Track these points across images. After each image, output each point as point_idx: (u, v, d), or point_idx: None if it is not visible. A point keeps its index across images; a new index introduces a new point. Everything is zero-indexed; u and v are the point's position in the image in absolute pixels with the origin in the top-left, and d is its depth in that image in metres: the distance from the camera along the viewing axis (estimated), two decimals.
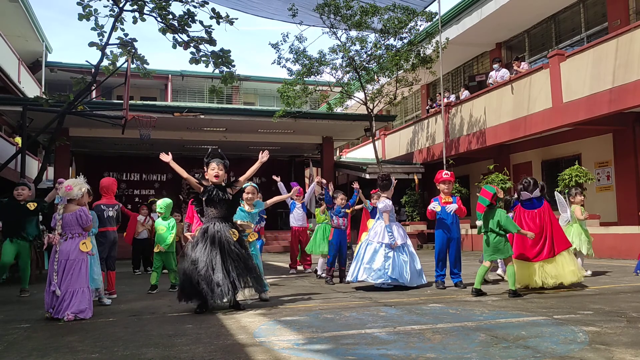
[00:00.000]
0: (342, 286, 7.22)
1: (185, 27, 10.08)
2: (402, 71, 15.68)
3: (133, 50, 10.42)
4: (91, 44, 10.18)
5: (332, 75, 15.91)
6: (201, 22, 10.01)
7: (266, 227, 6.58)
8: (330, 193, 8.10)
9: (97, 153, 20.33)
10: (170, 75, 26.67)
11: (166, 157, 5.57)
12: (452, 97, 17.26)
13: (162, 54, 64.85)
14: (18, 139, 18.28)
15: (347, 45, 15.16)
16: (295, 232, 9.63)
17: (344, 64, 15.62)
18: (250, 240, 6.06)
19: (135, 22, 10.16)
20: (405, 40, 15.46)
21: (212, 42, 10.10)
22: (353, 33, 15.17)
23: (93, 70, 10.80)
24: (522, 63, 14.77)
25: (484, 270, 6.03)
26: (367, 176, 17.40)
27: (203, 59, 10.29)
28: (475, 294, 5.90)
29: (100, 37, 10.27)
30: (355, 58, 15.33)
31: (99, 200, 6.49)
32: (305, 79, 15.65)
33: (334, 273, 7.81)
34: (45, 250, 5.55)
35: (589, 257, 7.97)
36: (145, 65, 10.77)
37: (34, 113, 13.32)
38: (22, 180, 7.39)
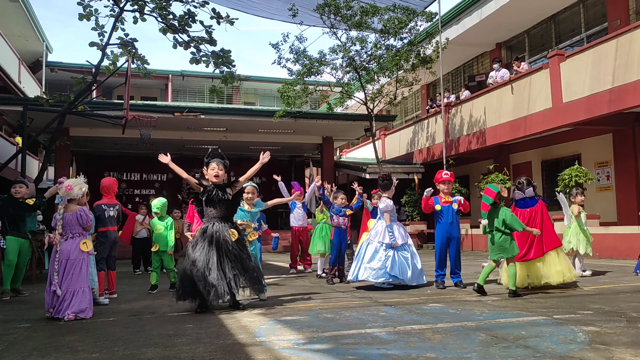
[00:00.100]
0: (342, 286, 7.23)
1: (186, 27, 10.08)
2: (402, 71, 15.69)
3: (133, 50, 10.42)
4: (92, 44, 10.18)
5: (332, 75, 15.93)
6: (201, 22, 10.02)
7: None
8: (327, 192, 8.11)
9: (97, 153, 20.34)
10: (170, 75, 26.68)
11: (165, 158, 5.57)
12: (452, 97, 17.26)
13: (162, 54, 64.88)
14: (18, 139, 18.29)
15: (347, 45, 15.17)
16: (295, 232, 9.64)
17: (344, 64, 15.63)
18: (250, 239, 6.07)
19: (135, 22, 10.16)
20: (406, 41, 15.46)
21: (212, 42, 10.10)
22: (353, 33, 15.19)
23: (93, 70, 10.80)
24: (522, 63, 14.77)
25: (490, 268, 6.02)
26: (367, 176, 17.41)
27: (203, 59, 10.29)
28: (477, 289, 5.91)
29: (101, 37, 10.28)
30: (356, 58, 15.34)
31: (99, 200, 6.49)
32: (305, 79, 15.65)
33: (335, 272, 7.81)
34: (46, 250, 5.55)
35: (588, 257, 7.97)
36: (145, 65, 10.78)
37: (35, 113, 13.33)
38: (19, 178, 7.36)
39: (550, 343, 3.53)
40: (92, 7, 9.92)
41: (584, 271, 7.73)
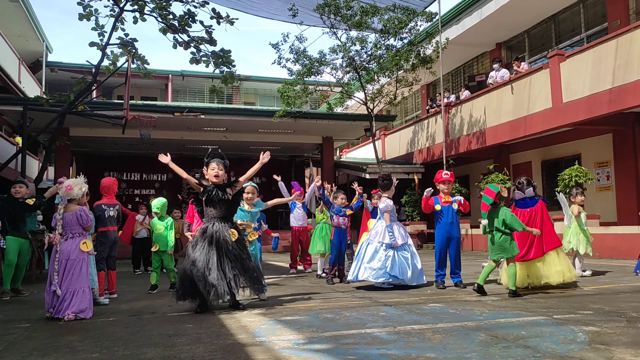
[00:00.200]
0: (342, 286, 7.23)
1: (186, 27, 10.08)
2: (402, 71, 15.69)
3: (133, 50, 10.42)
4: (92, 44, 10.18)
5: (332, 75, 15.93)
6: (201, 22, 10.02)
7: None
8: (327, 193, 8.11)
9: (97, 153, 20.34)
10: (170, 75, 26.68)
11: (165, 159, 5.58)
12: (452, 97, 17.26)
13: (162, 54, 64.88)
14: (18, 139, 18.29)
15: (347, 45, 15.17)
16: (295, 232, 9.64)
17: (344, 64, 15.63)
18: (250, 239, 6.07)
19: (135, 22, 10.16)
20: (406, 41, 15.46)
21: (212, 42, 10.10)
22: (353, 33, 15.19)
23: (93, 70, 10.80)
24: (522, 63, 14.77)
25: (490, 268, 6.02)
26: (367, 176, 17.41)
27: (203, 59, 10.30)
28: (477, 289, 5.91)
29: (101, 37, 10.28)
30: (356, 58, 15.34)
31: (99, 200, 6.49)
32: (305, 79, 15.65)
33: (335, 272, 7.81)
34: (46, 250, 5.55)
35: (588, 257, 7.97)
36: (145, 65, 10.78)
37: (35, 113, 13.33)
38: (19, 178, 7.35)
39: (550, 343, 3.53)
40: (92, 7, 9.93)
41: (584, 271, 7.73)
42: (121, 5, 9.90)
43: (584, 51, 11.54)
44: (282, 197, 8.68)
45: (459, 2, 16.55)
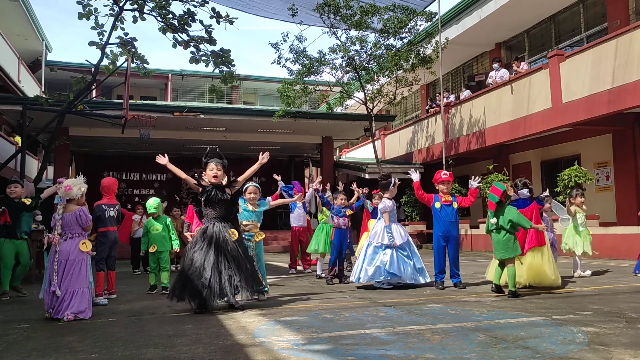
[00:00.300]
0: (341, 286, 7.23)
1: (185, 27, 10.08)
2: (401, 71, 15.68)
3: (133, 50, 10.42)
4: (91, 43, 10.18)
5: (332, 75, 15.92)
6: (201, 22, 10.03)
7: (266, 227, 6.60)
8: (326, 195, 8.12)
9: (97, 152, 20.32)
10: (170, 75, 26.66)
11: (163, 160, 5.57)
12: (452, 97, 17.26)
13: (162, 53, 64.85)
14: (18, 139, 18.28)
15: (347, 45, 15.16)
16: (295, 232, 9.64)
17: (343, 64, 15.62)
18: (257, 239, 6.08)
19: (135, 21, 10.16)
20: (405, 40, 15.46)
21: (212, 41, 10.10)
22: (353, 33, 15.18)
23: (93, 69, 10.80)
24: (522, 63, 14.77)
25: (513, 270, 5.88)
26: (367, 176, 17.41)
27: (203, 58, 10.29)
28: (495, 290, 5.90)
29: (100, 37, 10.27)
30: (355, 58, 15.33)
31: (99, 200, 6.48)
32: (305, 78, 15.65)
33: (334, 273, 7.81)
34: (45, 250, 5.54)
35: (586, 257, 7.98)
36: (145, 65, 10.77)
37: (34, 112, 13.32)
38: (14, 178, 7.31)
39: (549, 344, 3.53)
40: (91, 6, 9.93)
41: (583, 272, 7.74)
42: (121, 4, 9.90)
43: (583, 51, 11.55)
44: (284, 197, 8.68)
45: (458, 2, 16.55)
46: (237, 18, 10.01)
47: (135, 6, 10.02)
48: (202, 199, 5.49)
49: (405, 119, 23.72)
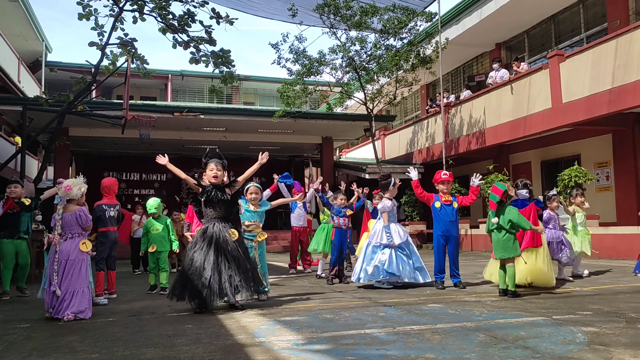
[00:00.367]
0: (341, 286, 7.24)
1: (185, 27, 10.08)
2: (401, 71, 15.68)
3: (133, 50, 10.42)
4: (91, 44, 10.18)
5: (331, 75, 15.93)
6: (201, 22, 10.02)
7: (266, 227, 6.61)
8: (327, 195, 8.13)
9: (97, 153, 20.33)
10: (170, 75, 26.66)
11: (163, 160, 5.57)
12: (452, 97, 17.26)
13: (162, 53, 64.87)
14: (18, 139, 18.28)
15: (346, 45, 15.17)
16: (295, 232, 9.64)
17: (343, 64, 15.62)
18: (259, 239, 6.08)
19: (135, 22, 10.16)
20: (405, 41, 15.46)
21: (212, 42, 10.10)
22: (353, 33, 15.18)
23: (93, 70, 10.80)
24: (522, 63, 14.77)
25: (512, 270, 5.90)
26: (367, 176, 17.41)
27: (203, 58, 10.29)
28: (512, 294, 5.80)
29: (100, 37, 10.28)
30: (355, 58, 15.34)
31: (100, 200, 6.49)
32: (305, 79, 15.65)
33: (335, 273, 7.81)
34: (45, 250, 5.55)
35: (585, 257, 7.98)
36: (145, 65, 10.77)
37: (34, 113, 13.32)
38: (14, 178, 7.31)
39: (549, 344, 3.53)
40: (91, 6, 9.94)
41: (582, 272, 7.72)
42: (121, 5, 9.90)
43: (583, 51, 11.55)
44: (284, 197, 8.69)
45: (458, 2, 16.55)
46: (237, 18, 10.02)
47: (135, 7, 10.03)
48: (202, 199, 5.49)
49: (405, 119, 23.72)
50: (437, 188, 6.99)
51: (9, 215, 6.85)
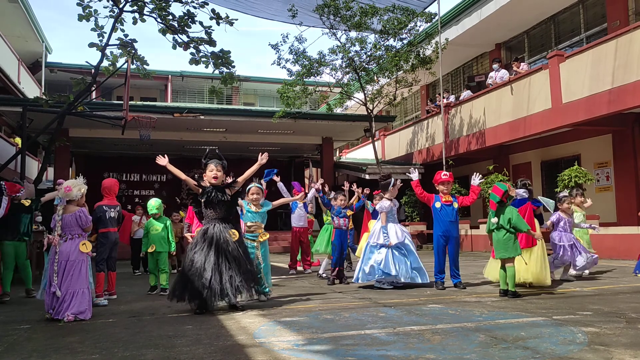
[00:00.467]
0: (341, 287, 7.24)
1: (185, 28, 10.08)
2: (401, 72, 15.69)
3: (133, 51, 10.42)
4: (91, 45, 10.19)
5: (331, 76, 15.93)
6: (201, 23, 10.03)
7: (267, 227, 6.61)
8: (327, 196, 8.13)
9: (97, 154, 20.33)
10: (170, 76, 26.67)
11: (163, 160, 5.57)
12: (452, 98, 17.26)
13: (162, 54, 64.90)
14: (18, 140, 18.29)
15: (346, 46, 15.17)
16: (296, 232, 9.64)
17: (343, 65, 15.63)
18: (261, 240, 6.09)
19: (135, 22, 10.17)
20: (405, 41, 15.47)
21: (212, 42, 10.10)
22: (352, 34, 15.19)
23: (93, 70, 10.80)
24: (522, 64, 14.78)
25: (512, 271, 5.88)
26: (367, 177, 17.41)
27: (203, 59, 10.29)
28: (512, 295, 5.80)
29: (100, 38, 10.28)
30: (355, 59, 15.34)
31: (100, 201, 6.49)
32: (305, 79, 15.65)
33: (336, 273, 7.81)
34: (45, 251, 5.55)
35: None
36: (145, 66, 10.77)
37: (34, 114, 13.33)
38: (15, 179, 7.32)
39: (549, 344, 3.53)
40: (91, 7, 9.94)
41: (581, 273, 7.71)
42: (120, 6, 9.90)
43: (583, 52, 11.55)
44: (284, 197, 8.69)
45: (458, 3, 16.55)
46: (236, 19, 10.02)
47: (135, 8, 10.03)
48: (203, 200, 5.49)
49: (405, 119, 23.72)
50: (437, 188, 6.99)
51: (10, 217, 6.85)
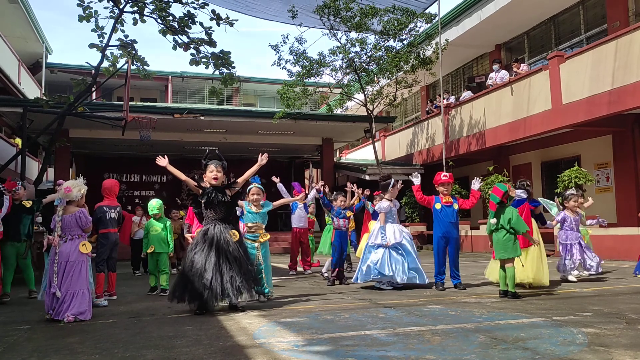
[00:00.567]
0: (341, 287, 7.24)
1: (186, 29, 10.08)
2: (401, 72, 15.70)
3: (133, 52, 10.42)
4: (91, 46, 10.19)
5: (332, 76, 15.95)
6: (201, 24, 10.02)
7: (267, 228, 6.62)
8: (328, 197, 8.13)
9: (97, 154, 20.34)
10: (170, 77, 26.68)
11: (163, 161, 5.57)
12: (452, 99, 17.27)
13: (162, 55, 64.94)
14: (18, 140, 18.29)
15: (346, 46, 15.19)
16: (296, 233, 9.64)
17: (343, 66, 15.64)
18: (262, 240, 6.09)
19: (135, 23, 10.16)
20: (405, 42, 15.48)
21: (212, 43, 10.10)
22: (353, 35, 15.21)
23: (93, 71, 10.80)
24: (522, 64, 14.79)
25: (512, 271, 5.88)
26: (367, 177, 17.41)
27: (203, 60, 10.29)
28: (512, 296, 5.78)
29: (101, 39, 10.28)
30: (355, 59, 15.35)
31: (100, 202, 6.49)
32: (305, 80, 15.66)
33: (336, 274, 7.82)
34: (45, 251, 5.55)
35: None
36: (145, 67, 10.77)
37: (34, 114, 13.33)
38: (15, 180, 7.31)
39: (549, 345, 3.53)
40: (91, 8, 9.93)
41: (581, 274, 7.71)
42: (121, 6, 9.91)
43: (583, 52, 11.56)
44: (284, 197, 8.69)
45: (458, 4, 16.57)
46: (237, 20, 10.02)
47: (136, 8, 10.03)
48: (203, 201, 5.49)
49: (406, 120, 23.73)
50: (437, 189, 6.99)
51: (11, 218, 6.85)
